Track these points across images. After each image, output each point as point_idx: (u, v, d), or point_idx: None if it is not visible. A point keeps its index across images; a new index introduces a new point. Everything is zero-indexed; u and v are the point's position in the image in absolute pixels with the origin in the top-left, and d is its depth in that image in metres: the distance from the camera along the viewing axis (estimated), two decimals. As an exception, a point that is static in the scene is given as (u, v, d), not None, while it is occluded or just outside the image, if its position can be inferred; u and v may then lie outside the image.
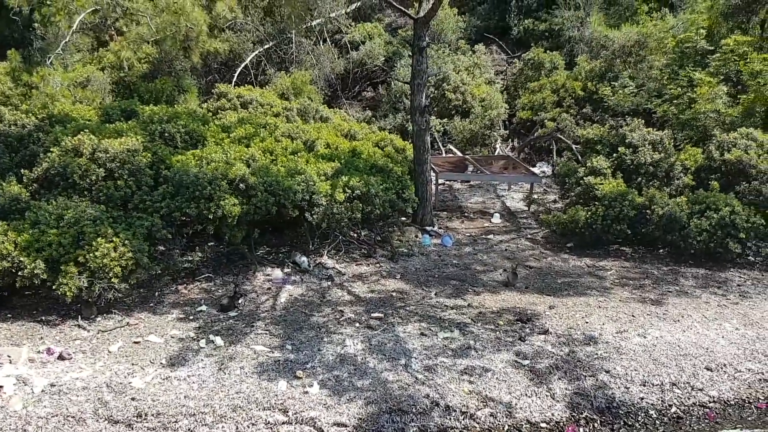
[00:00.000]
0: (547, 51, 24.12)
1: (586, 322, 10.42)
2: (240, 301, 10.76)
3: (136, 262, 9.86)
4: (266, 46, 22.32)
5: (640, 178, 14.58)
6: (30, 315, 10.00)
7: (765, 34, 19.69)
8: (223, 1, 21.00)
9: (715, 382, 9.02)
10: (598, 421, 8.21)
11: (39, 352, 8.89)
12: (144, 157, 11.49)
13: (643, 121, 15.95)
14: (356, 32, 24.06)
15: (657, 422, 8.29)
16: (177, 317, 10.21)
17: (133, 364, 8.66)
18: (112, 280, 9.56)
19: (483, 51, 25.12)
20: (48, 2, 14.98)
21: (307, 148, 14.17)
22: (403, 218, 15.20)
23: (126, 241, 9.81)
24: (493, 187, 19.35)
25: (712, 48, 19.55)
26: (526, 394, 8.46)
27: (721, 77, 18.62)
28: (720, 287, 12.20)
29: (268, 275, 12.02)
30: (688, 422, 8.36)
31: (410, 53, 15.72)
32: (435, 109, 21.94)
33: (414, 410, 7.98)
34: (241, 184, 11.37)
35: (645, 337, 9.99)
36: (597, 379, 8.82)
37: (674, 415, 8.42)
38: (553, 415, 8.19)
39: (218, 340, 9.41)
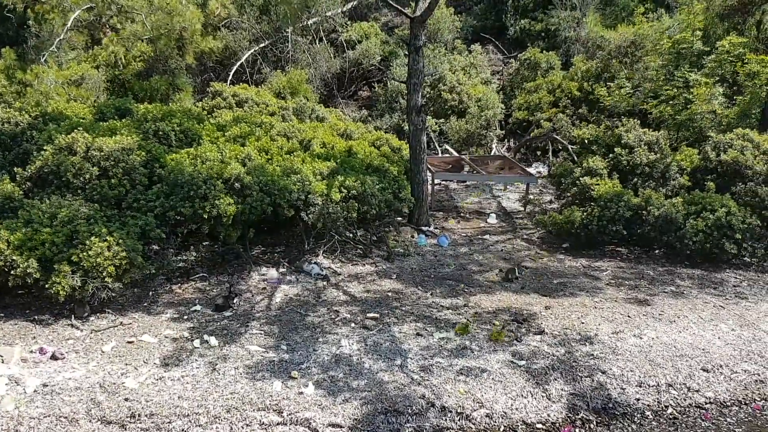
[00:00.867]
0: (544, 51, 24.13)
1: (582, 323, 10.40)
2: (235, 301, 10.70)
3: (130, 261, 9.80)
4: (262, 45, 22.29)
5: (635, 179, 14.56)
6: (23, 314, 9.92)
7: (761, 35, 19.71)
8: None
9: (711, 383, 9.00)
10: (594, 422, 8.18)
11: (31, 351, 8.82)
12: (138, 155, 11.41)
13: (638, 121, 15.91)
14: (352, 31, 24.03)
15: (653, 423, 8.27)
16: (171, 317, 10.15)
17: (126, 364, 8.60)
18: (106, 279, 9.50)
19: (479, 51, 25.11)
20: (42, 0, 14.93)
21: (303, 148, 14.12)
22: (399, 218, 15.16)
23: (120, 241, 9.75)
24: (489, 188, 19.33)
25: (708, 49, 19.57)
26: (522, 395, 8.43)
27: (717, 78, 18.64)
28: (716, 288, 12.20)
29: (263, 275, 11.97)
30: (684, 423, 8.34)
31: (406, 53, 15.68)
32: (431, 108, 21.93)
33: (410, 411, 7.94)
34: (236, 184, 11.32)
35: (641, 338, 9.97)
36: (593, 380, 8.80)
37: (670, 416, 8.40)
38: (549, 415, 8.17)
39: (213, 340, 9.35)
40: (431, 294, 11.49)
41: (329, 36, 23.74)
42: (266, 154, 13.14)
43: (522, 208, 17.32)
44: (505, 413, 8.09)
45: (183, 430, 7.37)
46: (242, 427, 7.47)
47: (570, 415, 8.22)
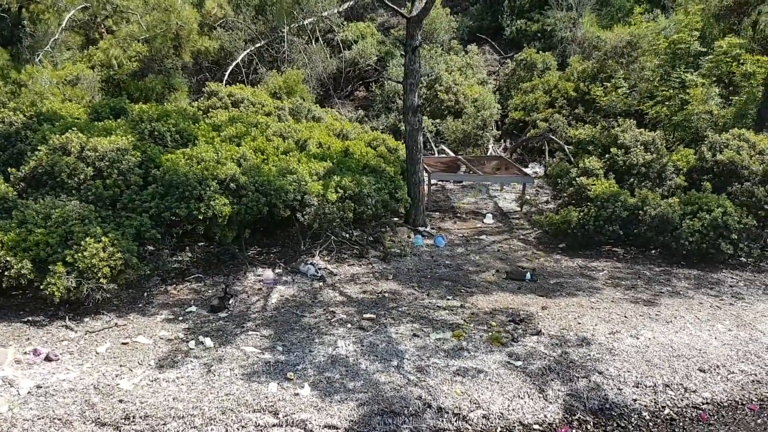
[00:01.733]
0: (540, 51, 24.14)
1: (579, 323, 10.38)
2: (230, 302, 10.66)
3: (125, 262, 9.74)
4: (258, 45, 22.26)
5: (632, 179, 14.57)
6: (16, 315, 9.85)
7: (756, 35, 19.74)
8: (213, -1, 20.93)
9: (708, 383, 8.99)
10: (591, 423, 8.16)
11: (25, 353, 8.76)
12: (133, 156, 11.35)
13: (635, 121, 15.94)
14: (349, 31, 24.01)
15: (650, 424, 8.25)
16: (166, 318, 10.10)
17: (121, 366, 8.54)
18: (101, 280, 9.44)
19: (475, 51, 25.10)
20: (37, 0, 14.87)
21: (299, 148, 14.09)
22: (396, 219, 15.14)
23: (115, 241, 9.69)
24: (485, 188, 19.31)
25: (705, 50, 19.60)
26: (519, 396, 8.40)
27: (714, 79, 18.66)
28: (712, 288, 12.20)
29: (259, 276, 11.92)
30: (681, 424, 8.33)
31: (403, 53, 15.65)
32: (427, 109, 21.91)
33: (406, 412, 7.91)
34: (231, 184, 11.27)
35: (638, 338, 9.96)
36: (590, 381, 8.78)
37: (667, 417, 8.39)
38: (545, 416, 8.14)
39: (208, 341, 9.29)
40: (428, 294, 11.45)
41: (325, 36, 23.71)
42: (262, 154, 13.10)
43: (518, 209, 17.31)
44: (502, 414, 8.07)
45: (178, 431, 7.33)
46: (237, 429, 7.43)
47: (567, 416, 8.20)
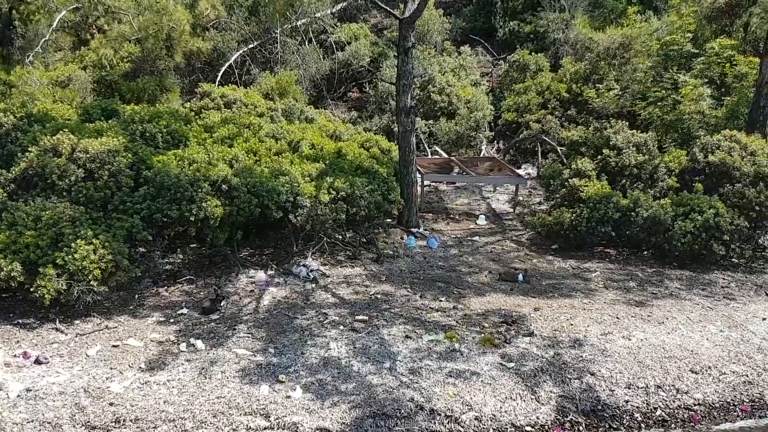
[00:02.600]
0: (533, 53, 24.14)
1: (571, 324, 10.38)
2: (222, 304, 10.62)
3: (115, 264, 9.69)
4: (251, 46, 22.18)
5: (624, 180, 14.59)
6: (6, 318, 9.79)
7: (748, 36, 19.82)
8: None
9: (699, 384, 9.02)
10: (584, 424, 8.18)
11: (15, 356, 8.70)
12: (124, 157, 11.27)
13: (627, 123, 15.96)
14: (342, 33, 23.95)
15: (642, 425, 8.27)
16: (157, 320, 10.05)
17: (111, 369, 8.49)
18: (92, 282, 9.39)
19: (468, 53, 25.09)
20: (27, 0, 14.78)
21: (292, 149, 14.03)
22: (389, 220, 15.12)
23: (106, 243, 9.64)
24: (478, 189, 19.31)
25: (697, 51, 19.66)
26: (512, 397, 8.40)
27: (706, 80, 18.72)
28: (704, 289, 12.23)
29: (251, 277, 11.87)
30: (672, 425, 8.35)
31: (396, 54, 15.63)
32: (421, 110, 21.86)
33: (398, 414, 7.89)
34: (223, 185, 11.22)
35: (630, 339, 9.97)
36: (582, 382, 8.79)
37: (659, 418, 8.41)
38: (538, 418, 8.15)
39: (199, 344, 9.25)
40: (420, 296, 11.44)
41: (318, 37, 23.64)
42: (254, 155, 13.05)
43: (511, 210, 17.32)
44: (494, 416, 8.07)
45: (169, 435, 7.29)
46: (229, 432, 7.40)
47: (559, 417, 8.21)
